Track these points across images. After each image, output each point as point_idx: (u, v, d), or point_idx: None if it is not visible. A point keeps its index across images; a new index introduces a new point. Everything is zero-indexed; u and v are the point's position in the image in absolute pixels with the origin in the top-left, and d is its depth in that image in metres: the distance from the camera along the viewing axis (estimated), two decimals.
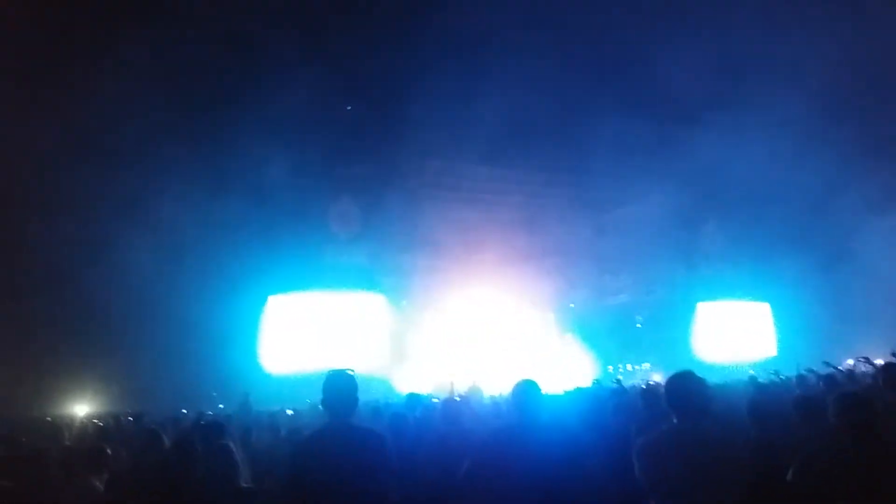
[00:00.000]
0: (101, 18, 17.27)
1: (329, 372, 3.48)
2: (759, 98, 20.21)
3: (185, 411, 11.61)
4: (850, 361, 7.72)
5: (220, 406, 13.40)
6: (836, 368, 7.39)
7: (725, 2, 20.95)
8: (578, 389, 12.15)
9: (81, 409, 16.70)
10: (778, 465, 3.64)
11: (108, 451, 4.77)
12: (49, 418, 12.07)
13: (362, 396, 3.63)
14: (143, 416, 9.13)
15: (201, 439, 4.78)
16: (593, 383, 12.14)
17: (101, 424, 8.76)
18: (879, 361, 7.91)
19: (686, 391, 3.41)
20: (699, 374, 3.55)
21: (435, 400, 9.24)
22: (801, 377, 8.96)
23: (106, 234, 17.37)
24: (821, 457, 3.47)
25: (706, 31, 19.95)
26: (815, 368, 9.41)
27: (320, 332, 21.16)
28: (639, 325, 25.24)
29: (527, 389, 3.91)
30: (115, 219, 17.40)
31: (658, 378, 18.76)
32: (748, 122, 19.87)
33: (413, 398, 7.66)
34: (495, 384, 14.91)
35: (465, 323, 23.16)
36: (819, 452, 3.50)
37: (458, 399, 6.83)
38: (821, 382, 7.43)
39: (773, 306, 26.57)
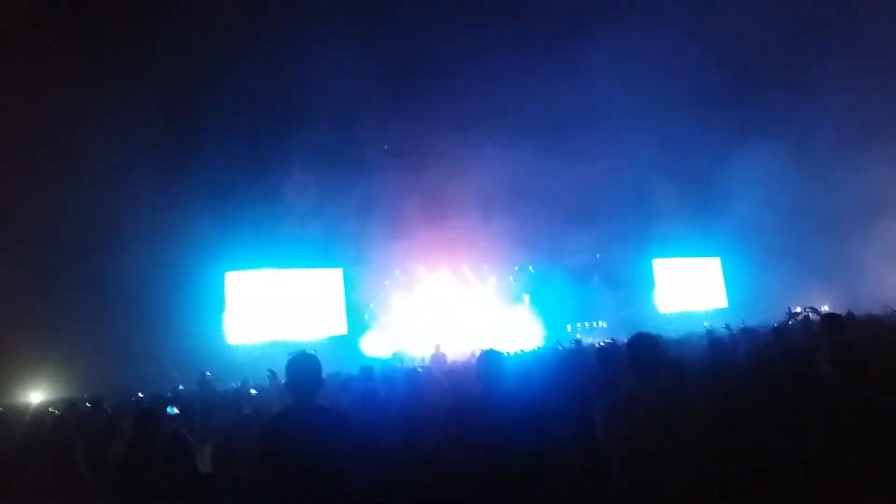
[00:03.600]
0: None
1: (292, 354, 3.47)
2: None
3: (140, 394, 11.38)
4: (798, 310, 7.93)
5: (181, 387, 13.16)
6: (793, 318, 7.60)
7: None
8: (537, 350, 12.40)
9: (36, 396, 16.23)
10: (736, 420, 3.77)
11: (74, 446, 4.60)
12: (0, 408, 11.65)
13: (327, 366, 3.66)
14: (101, 402, 8.83)
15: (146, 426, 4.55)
16: (553, 343, 12.33)
17: (58, 413, 8.47)
18: (826, 309, 8.18)
19: (648, 353, 3.49)
20: (655, 327, 3.66)
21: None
22: (747, 330, 9.12)
23: (56, 211, 16.78)
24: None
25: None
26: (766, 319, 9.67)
27: (279, 305, 21.05)
28: (595, 282, 25.71)
29: (491, 359, 4.01)
30: (64, 195, 16.77)
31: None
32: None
33: (366, 370, 7.41)
34: (457, 348, 15.05)
35: (425, 288, 23.27)
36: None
37: (420, 370, 6.82)
38: (770, 334, 7.63)
39: (723, 261, 27.36)
